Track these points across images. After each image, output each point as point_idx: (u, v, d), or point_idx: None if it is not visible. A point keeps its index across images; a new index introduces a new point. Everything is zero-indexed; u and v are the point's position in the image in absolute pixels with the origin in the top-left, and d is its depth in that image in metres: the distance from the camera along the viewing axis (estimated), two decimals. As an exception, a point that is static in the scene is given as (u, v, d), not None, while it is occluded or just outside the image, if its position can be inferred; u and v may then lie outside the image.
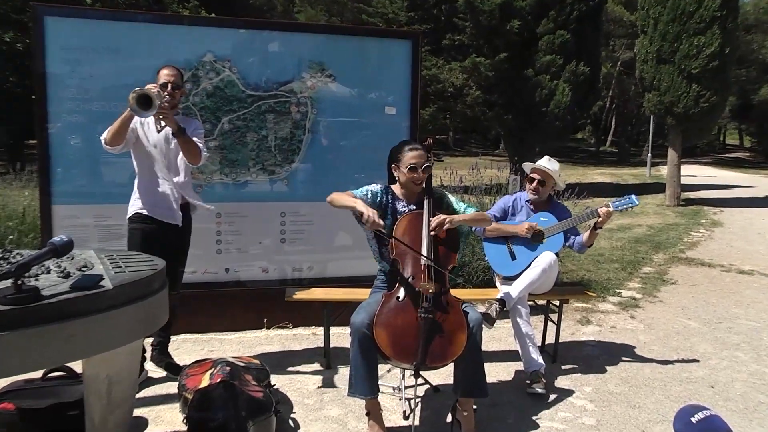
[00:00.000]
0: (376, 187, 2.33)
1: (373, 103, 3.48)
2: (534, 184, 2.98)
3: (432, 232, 2.17)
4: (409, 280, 2.14)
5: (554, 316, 3.17)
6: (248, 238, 3.36)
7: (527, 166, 3.11)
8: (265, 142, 3.31)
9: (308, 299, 2.93)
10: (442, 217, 2.19)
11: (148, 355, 2.78)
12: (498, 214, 3.07)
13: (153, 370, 2.76)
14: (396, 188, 2.38)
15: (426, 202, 2.27)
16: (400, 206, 2.34)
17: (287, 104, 3.32)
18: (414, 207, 2.33)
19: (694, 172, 19.19)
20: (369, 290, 2.45)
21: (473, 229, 2.99)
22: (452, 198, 2.43)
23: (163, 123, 2.42)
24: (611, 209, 2.82)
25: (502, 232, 2.96)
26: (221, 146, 3.24)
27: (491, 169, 6.03)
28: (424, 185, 2.31)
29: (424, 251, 2.14)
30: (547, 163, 2.99)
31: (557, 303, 3.12)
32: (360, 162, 3.51)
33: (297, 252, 3.46)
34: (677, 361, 3.14)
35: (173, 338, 2.96)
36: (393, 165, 2.33)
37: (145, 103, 2.24)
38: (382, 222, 2.05)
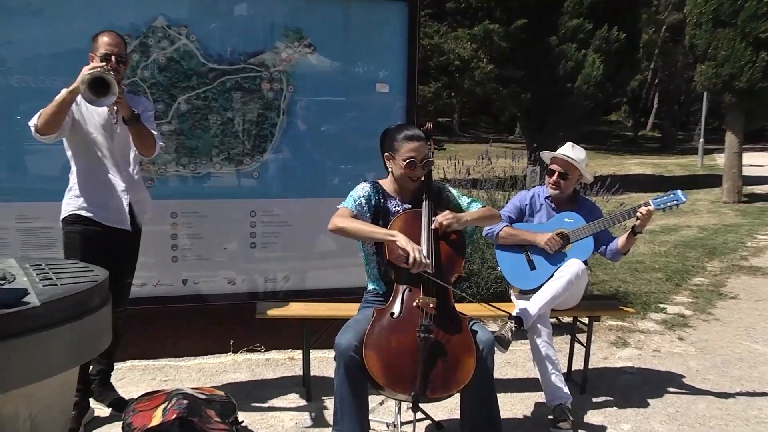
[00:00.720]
0: (365, 189, 2.35)
1: (361, 79, 3.50)
2: (554, 177, 2.99)
3: (433, 226, 2.20)
4: (406, 292, 2.16)
5: (583, 337, 3.17)
6: (210, 242, 3.38)
7: (546, 155, 3.11)
8: (231, 126, 3.32)
9: (284, 316, 2.95)
10: (449, 214, 2.22)
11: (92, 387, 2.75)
12: (513, 214, 3.08)
13: (92, 405, 2.71)
14: (386, 183, 2.40)
15: (425, 203, 2.29)
16: (393, 205, 2.36)
17: (257, 80, 3.33)
18: (409, 206, 2.35)
19: (761, 162, 18.85)
20: (357, 305, 2.47)
21: (484, 234, 3.03)
22: (454, 191, 2.45)
23: (116, 109, 2.40)
24: (652, 208, 2.82)
25: (517, 239, 2.97)
26: (177, 131, 3.24)
27: (505, 159, 6.00)
28: (421, 180, 2.34)
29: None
30: (569, 151, 3.00)
31: (586, 320, 3.13)
32: (346, 151, 3.55)
33: (270, 259, 3.48)
34: (741, 394, 3.10)
35: (117, 366, 2.95)
36: (386, 153, 2.35)
37: (99, 87, 2.19)
38: (429, 261, 2.10)
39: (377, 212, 2.32)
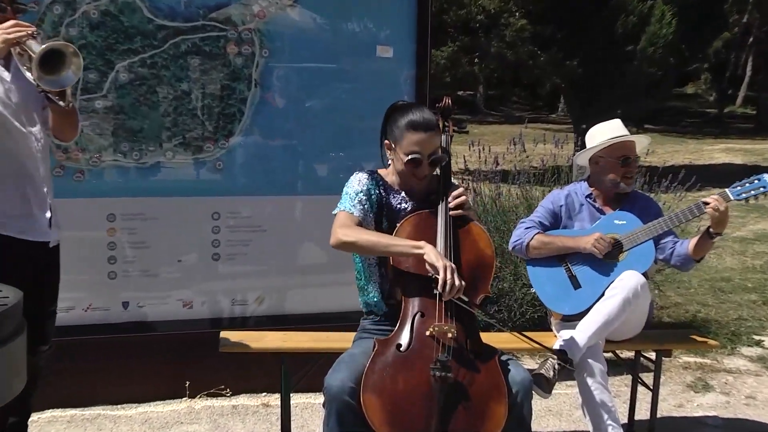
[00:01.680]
0: (363, 181, 2.38)
1: (358, 40, 3.53)
2: (631, 166, 3.01)
3: (452, 208, 2.25)
4: (417, 318, 2.16)
5: (648, 378, 3.17)
6: (160, 253, 3.39)
7: (590, 141, 3.10)
8: (187, 102, 3.34)
9: (256, 350, 2.94)
10: (463, 196, 2.31)
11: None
12: (545, 219, 3.11)
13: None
14: (387, 174, 2.45)
15: (441, 206, 2.32)
16: (396, 201, 2.41)
17: (222, 42, 3.33)
18: (417, 204, 2.39)
19: None
20: (352, 335, 2.49)
21: (511, 246, 3.10)
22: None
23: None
24: (731, 199, 2.81)
25: (554, 247, 2.99)
26: (116, 108, 3.25)
27: (545, 144, 6.02)
28: (436, 176, 2.37)
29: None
30: (624, 129, 3.07)
31: (653, 356, 3.13)
32: (338, 134, 3.57)
33: (238, 275, 3.50)
34: None
35: (34, 417, 2.89)
36: (386, 141, 2.40)
37: (49, 62, 2.16)
38: (462, 282, 2.12)
39: (380, 210, 2.36)
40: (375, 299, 2.40)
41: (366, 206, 2.32)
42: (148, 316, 3.40)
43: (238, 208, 3.45)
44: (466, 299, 2.16)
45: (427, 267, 2.12)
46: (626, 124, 3.13)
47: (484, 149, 5.70)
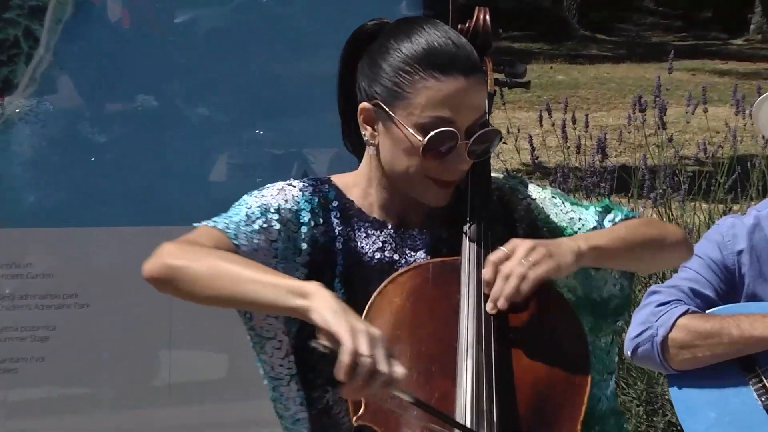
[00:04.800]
0: (290, 196, 2.35)
1: None
2: None
3: (489, 306, 2.24)
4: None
5: None
6: None
7: None
8: None
9: None
10: (523, 248, 2.24)
11: None
12: (705, 285, 3.24)
13: None
14: (352, 182, 2.43)
15: (470, 247, 2.29)
16: (371, 243, 2.39)
17: None
18: (418, 252, 2.42)
19: None
20: None
21: (628, 350, 3.31)
22: (543, 193, 2.51)
23: None
24: None
25: (725, 345, 3.13)
26: None
27: (712, 107, 5.79)
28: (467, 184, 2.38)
29: (463, 406, 2.15)
30: None
31: None
32: (251, 90, 3.73)
33: (22, 410, 3.60)
34: None
35: None
36: (364, 104, 2.30)
37: None
38: (401, 371, 2.00)
39: (325, 257, 2.35)
40: None
41: (279, 245, 2.26)
42: None
43: (23, 255, 3.41)
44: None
45: (321, 339, 1.97)
46: None
47: (575, 119, 5.43)
